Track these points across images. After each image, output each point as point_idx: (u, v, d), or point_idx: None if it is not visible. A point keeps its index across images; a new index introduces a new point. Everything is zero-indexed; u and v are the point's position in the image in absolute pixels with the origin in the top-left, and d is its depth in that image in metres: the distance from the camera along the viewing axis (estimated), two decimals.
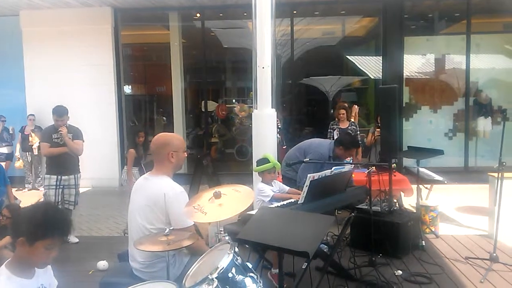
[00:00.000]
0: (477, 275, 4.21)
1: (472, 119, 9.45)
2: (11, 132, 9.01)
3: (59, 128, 5.34)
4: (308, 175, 3.52)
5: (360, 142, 7.46)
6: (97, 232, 6.20)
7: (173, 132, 9.84)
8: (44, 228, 1.92)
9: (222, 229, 2.94)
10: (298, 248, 2.34)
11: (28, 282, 1.99)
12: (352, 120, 7.80)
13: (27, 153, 8.95)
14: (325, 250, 4.34)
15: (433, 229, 5.42)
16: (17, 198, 5.81)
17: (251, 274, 2.24)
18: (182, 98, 10.73)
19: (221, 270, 2.12)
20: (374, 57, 11.05)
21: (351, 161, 5.27)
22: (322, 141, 5.47)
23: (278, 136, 7.29)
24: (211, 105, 11.39)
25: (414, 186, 5.70)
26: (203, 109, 10.67)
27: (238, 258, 2.27)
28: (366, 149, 7.70)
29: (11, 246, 4.48)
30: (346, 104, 7.99)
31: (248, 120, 11.08)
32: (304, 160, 4.57)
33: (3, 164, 6.58)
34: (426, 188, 6.21)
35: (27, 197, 7.33)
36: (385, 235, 4.63)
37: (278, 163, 4.30)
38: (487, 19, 10.05)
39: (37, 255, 1.94)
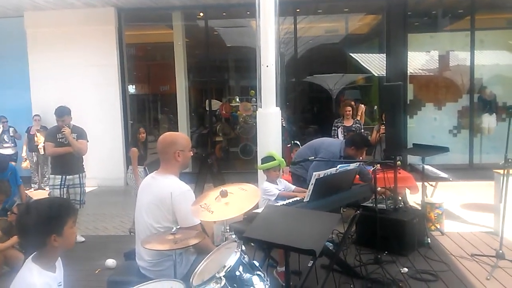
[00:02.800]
0: (483, 272, 4.21)
1: (477, 115, 9.41)
2: (11, 134, 8.94)
3: (62, 128, 5.38)
4: (314, 173, 3.52)
5: None
6: (103, 231, 6.24)
7: (177, 131, 9.88)
8: (61, 214, 2.05)
9: (228, 228, 2.95)
10: (305, 246, 2.35)
11: (54, 276, 2.08)
12: (358, 118, 7.80)
13: (33, 153, 9.00)
14: (330, 248, 4.36)
15: (438, 226, 5.41)
16: (31, 198, 5.87)
17: (258, 273, 2.25)
18: (186, 97, 10.76)
19: (228, 268, 2.13)
20: (378, 54, 11.02)
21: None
22: (333, 140, 5.50)
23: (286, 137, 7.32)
24: (215, 104, 11.40)
25: (419, 184, 5.70)
26: (207, 108, 10.69)
27: (245, 256, 2.28)
28: (371, 147, 7.68)
29: (20, 246, 4.53)
30: (352, 102, 7.99)
31: (252, 119, 11.09)
32: (310, 158, 4.56)
33: None
34: (431, 185, 6.19)
35: (35, 197, 7.37)
36: (391, 233, 4.64)
37: (283, 160, 4.30)
38: (491, 15, 10.00)
39: (69, 238, 2.09)
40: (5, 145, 8.81)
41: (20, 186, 5.76)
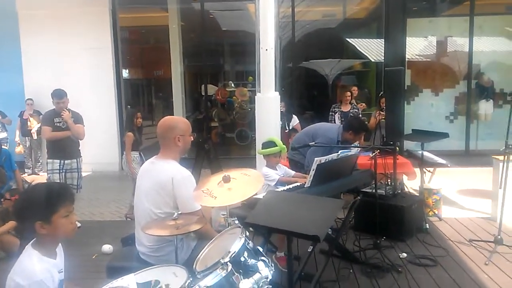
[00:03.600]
0: (481, 258, 4.22)
1: (474, 102, 9.41)
2: None
3: (61, 111, 5.29)
4: (315, 158, 3.49)
5: None
6: (99, 217, 6.19)
7: (173, 115, 9.79)
8: (52, 201, 1.97)
9: (226, 213, 2.92)
10: (308, 232, 2.32)
11: (55, 262, 2.04)
12: (354, 102, 7.78)
13: (27, 138, 8.86)
14: (329, 233, 4.34)
15: (436, 212, 5.42)
16: (28, 182, 5.80)
17: (263, 258, 2.22)
18: (181, 81, 10.65)
19: (233, 254, 2.09)
20: (375, 39, 10.94)
21: (358, 145, 5.24)
22: (330, 125, 5.47)
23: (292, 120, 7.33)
24: (211, 89, 11.30)
25: (416, 169, 5.69)
26: (202, 93, 10.59)
27: (250, 242, 2.25)
28: (368, 131, 7.66)
29: (16, 232, 4.48)
30: (355, 88, 8.06)
31: (248, 104, 11.02)
32: (310, 143, 4.52)
33: None
34: (429, 171, 6.19)
35: (32, 182, 7.29)
36: (390, 218, 4.63)
37: (285, 147, 4.26)
38: (490, 0, 9.93)
39: (60, 227, 1.99)
40: None
41: (15, 171, 5.67)
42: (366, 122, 7.34)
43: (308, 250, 3.79)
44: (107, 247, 4.66)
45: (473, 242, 4.60)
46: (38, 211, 1.95)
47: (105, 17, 9.19)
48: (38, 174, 8.89)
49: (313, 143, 4.65)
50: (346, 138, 4.99)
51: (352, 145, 4.89)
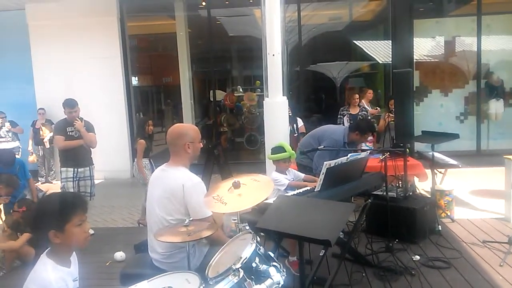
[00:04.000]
0: (496, 259, 4.18)
1: (484, 101, 9.33)
2: (7, 129, 8.69)
3: (73, 120, 5.37)
4: (325, 162, 3.49)
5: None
6: (112, 224, 6.24)
7: (182, 122, 9.85)
8: (65, 210, 1.99)
9: (236, 219, 2.93)
10: (320, 237, 2.33)
11: (69, 271, 2.06)
12: (364, 105, 7.77)
13: (39, 147, 8.98)
14: (341, 237, 4.33)
15: (448, 213, 5.38)
16: (42, 190, 5.87)
17: (275, 264, 2.22)
18: (190, 88, 10.71)
19: (244, 260, 2.10)
20: (383, 41, 10.91)
21: (367, 147, 5.23)
22: (336, 127, 5.43)
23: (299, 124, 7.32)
24: (219, 95, 11.35)
25: (427, 171, 5.66)
26: (211, 99, 10.63)
27: (261, 247, 2.25)
28: (379, 135, 7.65)
29: (30, 242, 4.53)
30: (370, 91, 8.05)
31: (257, 109, 11.05)
32: (319, 147, 4.52)
33: None
34: (440, 172, 6.15)
35: (48, 190, 7.38)
36: (401, 221, 4.61)
37: (294, 152, 4.27)
38: None
39: (74, 236, 2.00)
40: (0, 140, 8.70)
41: (29, 180, 5.76)
42: (375, 124, 7.34)
43: (320, 254, 3.79)
44: (119, 255, 4.70)
45: (487, 243, 4.56)
46: (52, 220, 1.97)
47: (113, 26, 9.29)
48: (52, 183, 8.99)
49: (321, 146, 4.65)
50: (352, 139, 4.98)
51: (362, 147, 4.88)
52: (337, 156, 4.73)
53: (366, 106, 8.03)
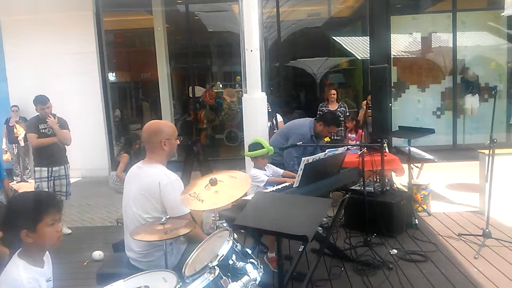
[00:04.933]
0: (471, 251, 4.27)
1: (460, 97, 9.51)
2: None
3: (46, 117, 5.23)
4: (303, 158, 3.49)
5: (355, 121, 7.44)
6: (90, 223, 6.14)
7: (161, 119, 9.75)
8: (37, 209, 1.96)
9: (218, 216, 2.91)
10: (297, 232, 2.32)
11: (42, 271, 2.02)
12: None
13: (14, 145, 8.77)
14: (320, 232, 4.36)
15: (425, 207, 5.47)
16: (16, 190, 5.69)
17: (252, 260, 2.21)
18: (168, 84, 10.61)
19: (221, 257, 2.08)
20: (361, 37, 11.00)
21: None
22: (302, 121, 5.32)
23: (278, 120, 7.28)
24: (199, 91, 11.27)
25: (404, 166, 5.73)
26: (190, 95, 10.56)
27: (238, 244, 2.24)
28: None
29: (2, 241, 4.41)
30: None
31: (237, 105, 11.01)
32: (298, 143, 4.52)
33: None
34: (417, 167, 6.24)
35: (20, 190, 7.20)
36: (379, 215, 4.66)
37: (272, 148, 4.26)
38: None
39: (46, 236, 1.97)
40: None
41: (4, 180, 5.57)
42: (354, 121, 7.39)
43: (299, 250, 3.81)
44: (97, 254, 4.63)
45: (462, 236, 4.65)
46: (23, 220, 1.93)
47: (89, 21, 9.11)
48: (27, 181, 8.80)
49: (289, 143, 4.64)
50: (317, 130, 5.02)
51: (340, 144, 4.91)
52: (305, 150, 4.75)
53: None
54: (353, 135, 7.17)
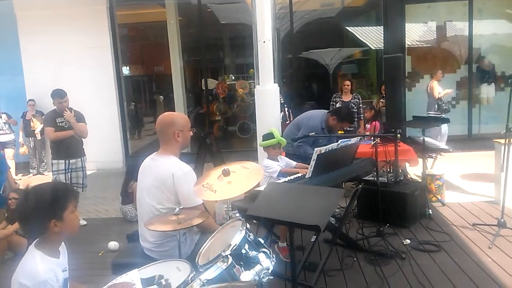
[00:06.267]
0: (485, 241, 4.23)
1: (475, 86, 9.37)
2: (4, 121, 8.56)
3: (63, 111, 5.33)
4: (315, 148, 3.50)
5: (361, 116, 7.42)
6: (105, 214, 6.24)
7: (174, 111, 9.81)
8: (61, 198, 2.04)
9: (230, 206, 2.94)
10: (310, 222, 2.33)
11: (58, 261, 2.07)
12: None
13: (30, 138, 8.92)
14: (333, 223, 4.37)
15: (439, 198, 5.43)
16: (16, 182, 5.79)
17: (264, 250, 2.24)
18: (181, 77, 10.65)
19: (234, 247, 2.12)
20: (375, 27, 10.88)
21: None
22: (314, 113, 5.30)
23: (287, 112, 7.25)
24: (211, 83, 11.30)
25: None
26: (203, 87, 10.59)
27: (250, 234, 2.27)
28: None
29: (23, 232, 4.51)
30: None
31: (249, 97, 11.02)
32: (310, 134, 4.52)
33: None
34: (431, 157, 6.19)
35: (36, 183, 7.33)
36: (392, 205, 4.64)
37: (283, 139, 4.27)
38: None
39: (70, 223, 2.06)
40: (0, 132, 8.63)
41: (8, 170, 5.63)
42: (365, 113, 7.34)
43: (312, 240, 3.83)
44: (112, 244, 4.71)
45: (477, 226, 4.61)
46: (51, 210, 1.99)
47: (103, 15, 9.18)
48: (43, 174, 8.95)
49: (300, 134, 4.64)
50: (329, 124, 4.98)
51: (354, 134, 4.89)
52: (314, 142, 4.74)
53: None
54: (367, 125, 7.14)
